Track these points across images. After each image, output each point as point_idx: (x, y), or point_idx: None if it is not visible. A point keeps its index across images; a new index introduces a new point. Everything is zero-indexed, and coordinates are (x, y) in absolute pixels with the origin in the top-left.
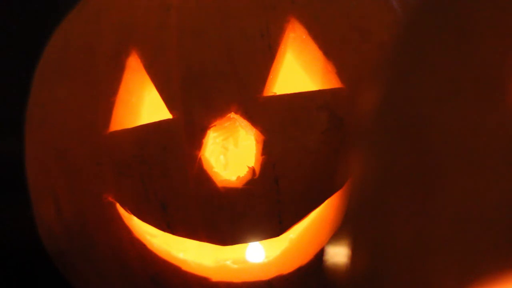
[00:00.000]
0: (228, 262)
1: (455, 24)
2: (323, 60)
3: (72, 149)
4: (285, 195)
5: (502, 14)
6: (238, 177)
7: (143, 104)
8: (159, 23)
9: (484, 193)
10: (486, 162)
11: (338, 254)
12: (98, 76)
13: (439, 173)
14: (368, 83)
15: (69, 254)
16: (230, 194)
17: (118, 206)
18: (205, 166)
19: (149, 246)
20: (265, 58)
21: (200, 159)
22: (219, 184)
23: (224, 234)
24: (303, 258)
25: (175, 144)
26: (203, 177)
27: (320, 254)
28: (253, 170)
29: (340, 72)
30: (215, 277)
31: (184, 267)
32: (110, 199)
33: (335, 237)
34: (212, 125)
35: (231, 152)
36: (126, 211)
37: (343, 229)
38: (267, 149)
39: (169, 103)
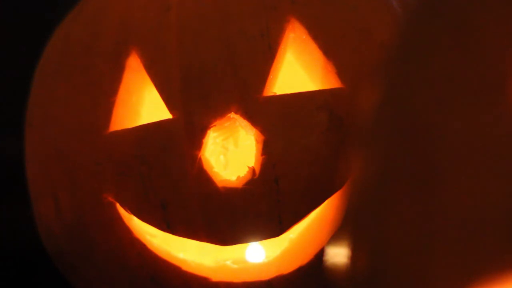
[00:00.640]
0: (228, 262)
1: (455, 24)
2: (323, 60)
3: (72, 149)
4: (285, 195)
5: (502, 13)
6: (238, 177)
7: (143, 104)
8: (159, 23)
9: (484, 193)
10: (486, 162)
11: (338, 254)
12: (98, 76)
13: (439, 173)
14: (368, 83)
15: (69, 254)
16: (230, 194)
17: (118, 206)
18: (205, 166)
19: (149, 246)
20: (265, 58)
21: (200, 159)
22: (219, 184)
23: (224, 234)
24: (303, 258)
25: (175, 144)
26: (203, 177)
27: (320, 254)
28: (253, 170)
29: (340, 72)
30: (215, 277)
31: (184, 267)
32: (110, 199)
33: (335, 237)
34: (212, 125)
35: (231, 152)
36: (126, 211)
37: (343, 229)
38: (267, 149)
39: (169, 103)
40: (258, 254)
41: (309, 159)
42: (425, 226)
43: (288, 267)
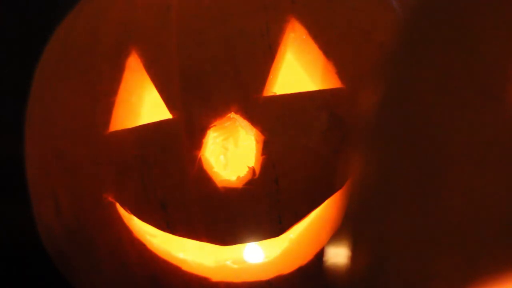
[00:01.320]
0: (228, 262)
1: (454, 23)
2: (323, 60)
3: (72, 149)
4: (285, 195)
5: (502, 13)
6: (238, 177)
7: (143, 104)
8: (159, 23)
9: (484, 193)
10: (486, 162)
11: (338, 254)
12: (98, 76)
13: (439, 173)
14: (368, 83)
15: (69, 254)
16: (230, 194)
17: (118, 206)
18: (205, 166)
19: (149, 246)
20: (265, 58)
21: (200, 159)
22: (219, 184)
23: (224, 234)
24: (303, 258)
25: (175, 144)
26: (203, 177)
27: (320, 254)
28: (253, 170)
29: (340, 72)
30: (215, 277)
31: (184, 267)
32: (110, 199)
33: (335, 237)
34: (212, 125)
35: (231, 152)
36: (126, 211)
37: (343, 229)
38: (267, 149)
39: (169, 103)
40: (257, 254)
41: (309, 159)
42: (425, 226)
43: (288, 267)
